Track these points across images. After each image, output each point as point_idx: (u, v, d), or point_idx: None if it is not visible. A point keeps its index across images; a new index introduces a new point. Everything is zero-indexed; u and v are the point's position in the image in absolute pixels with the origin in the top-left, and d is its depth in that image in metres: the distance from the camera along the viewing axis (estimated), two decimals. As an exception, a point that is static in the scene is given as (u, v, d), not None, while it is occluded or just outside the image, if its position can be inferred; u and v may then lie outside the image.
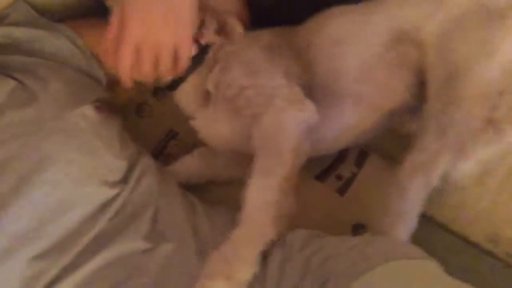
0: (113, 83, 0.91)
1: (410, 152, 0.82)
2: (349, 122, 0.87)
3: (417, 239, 0.80)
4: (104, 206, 0.73)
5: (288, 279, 0.70)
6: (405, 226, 0.81)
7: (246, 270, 0.70)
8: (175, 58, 0.77)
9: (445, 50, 0.81)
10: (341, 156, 0.97)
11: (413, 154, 0.81)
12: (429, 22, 0.82)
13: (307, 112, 0.81)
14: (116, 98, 0.93)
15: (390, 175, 0.84)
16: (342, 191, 0.95)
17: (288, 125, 0.78)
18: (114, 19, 0.74)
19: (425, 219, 0.89)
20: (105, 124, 0.79)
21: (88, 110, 0.77)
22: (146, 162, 0.84)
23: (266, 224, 0.73)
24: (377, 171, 0.97)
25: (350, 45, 0.86)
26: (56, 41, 0.85)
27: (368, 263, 0.64)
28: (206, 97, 0.86)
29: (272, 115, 0.79)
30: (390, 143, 0.96)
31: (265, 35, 0.90)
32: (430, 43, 0.82)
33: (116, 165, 0.76)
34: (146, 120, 0.99)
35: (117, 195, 0.75)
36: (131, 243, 0.72)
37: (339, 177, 0.96)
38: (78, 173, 0.71)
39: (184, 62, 0.79)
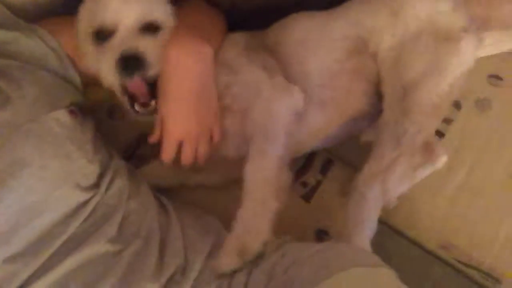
0: (85, 84, 0.91)
1: (368, 161, 0.87)
2: (315, 125, 0.90)
3: (374, 245, 0.85)
4: (77, 210, 0.73)
5: (253, 285, 0.73)
6: (366, 231, 0.85)
7: (257, 241, 0.76)
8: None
9: (398, 65, 0.86)
10: (307, 163, 1.01)
11: (371, 162, 0.86)
12: (384, 37, 0.88)
13: (294, 98, 0.85)
14: (88, 99, 0.93)
15: (351, 183, 0.88)
16: (307, 197, 0.99)
17: (278, 112, 0.83)
18: (158, 117, 0.84)
19: (383, 225, 0.94)
20: (79, 128, 0.79)
21: (63, 115, 0.77)
22: (118, 164, 0.84)
23: (268, 198, 0.78)
24: (341, 179, 1.00)
25: (313, 49, 0.91)
26: (30, 42, 0.84)
27: (327, 270, 0.68)
28: None
29: (262, 105, 0.84)
30: (353, 151, 1.00)
31: (241, 37, 0.93)
32: (385, 58, 0.88)
33: (89, 170, 0.77)
34: (118, 122, 0.99)
35: (90, 199, 0.75)
36: (101, 245, 0.73)
37: (304, 184, 0.99)
38: (51, 178, 0.72)
39: (218, 137, 0.86)
